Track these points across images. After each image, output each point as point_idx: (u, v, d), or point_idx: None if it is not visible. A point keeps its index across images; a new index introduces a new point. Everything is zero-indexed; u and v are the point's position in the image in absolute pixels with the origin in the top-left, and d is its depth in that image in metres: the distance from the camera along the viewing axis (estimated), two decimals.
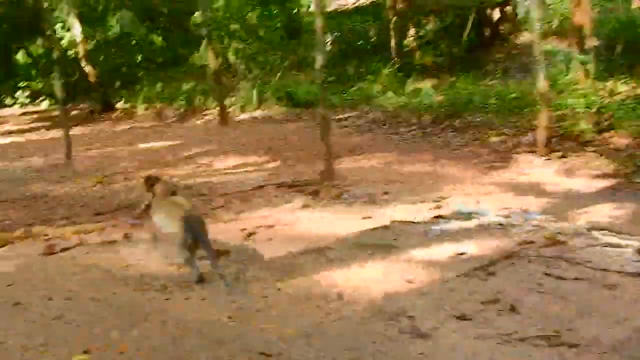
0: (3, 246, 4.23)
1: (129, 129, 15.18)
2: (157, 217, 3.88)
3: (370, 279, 3.47)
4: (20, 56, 28.73)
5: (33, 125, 18.17)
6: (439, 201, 5.74)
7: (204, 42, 16.02)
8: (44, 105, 23.77)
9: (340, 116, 14.58)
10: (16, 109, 23.77)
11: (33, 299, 3.24)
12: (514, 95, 11.10)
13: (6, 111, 23.49)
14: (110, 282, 3.50)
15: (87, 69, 20.25)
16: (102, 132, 14.42)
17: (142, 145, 11.62)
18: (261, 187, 6.68)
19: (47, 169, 9.11)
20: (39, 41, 28.16)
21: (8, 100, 24.31)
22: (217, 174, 8.15)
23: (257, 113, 15.15)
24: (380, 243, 4.05)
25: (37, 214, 5.86)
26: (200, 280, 3.42)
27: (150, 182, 5.68)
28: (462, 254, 3.87)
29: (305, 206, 5.34)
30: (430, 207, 5.42)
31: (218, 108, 14.69)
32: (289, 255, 3.89)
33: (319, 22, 7.72)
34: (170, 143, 11.72)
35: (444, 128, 10.58)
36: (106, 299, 3.25)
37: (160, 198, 4.00)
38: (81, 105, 23.20)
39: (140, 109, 18.42)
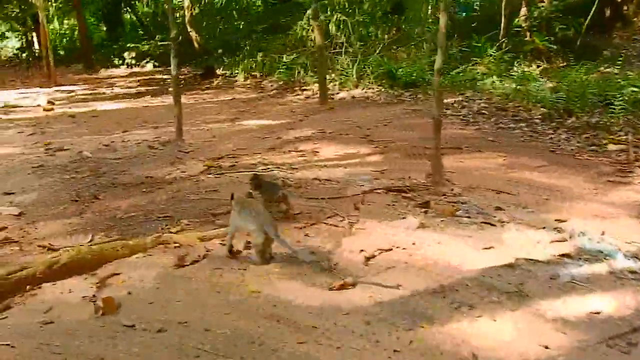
0: (136, 254, 4.45)
1: (230, 100, 15.49)
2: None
3: (503, 337, 3.36)
4: (127, 17, 30.06)
5: (140, 89, 18.94)
6: (559, 228, 5.47)
7: (309, 12, 15.96)
8: (149, 67, 24.75)
9: (445, 100, 14.15)
10: (123, 70, 24.89)
11: (172, 326, 3.38)
12: (636, 89, 10.29)
13: (115, 71, 24.65)
14: (242, 313, 3.59)
15: (192, 34, 20.78)
16: (206, 104, 14.81)
17: (245, 123, 11.84)
18: (370, 191, 6.63)
19: (158, 146, 9.49)
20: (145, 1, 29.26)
21: (116, 61, 25.49)
22: (322, 165, 8.16)
23: (356, 92, 14.99)
24: (507, 289, 3.91)
25: (156, 207, 6.12)
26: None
27: (256, 182, 5.83)
28: (597, 312, 3.67)
29: (421, 226, 5.24)
30: (551, 236, 5.17)
31: (317, 84, 14.66)
32: (416, 295, 3.84)
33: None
34: (272, 122, 11.85)
35: (555, 127, 10.01)
36: (238, 334, 3.32)
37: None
38: (184, 70, 23.97)
39: (240, 78, 18.73)
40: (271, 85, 17.34)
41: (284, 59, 17.55)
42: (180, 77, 22.40)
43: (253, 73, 18.61)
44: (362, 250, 4.74)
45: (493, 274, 4.21)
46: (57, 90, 18.82)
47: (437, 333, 3.41)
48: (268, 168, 7.92)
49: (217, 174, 7.33)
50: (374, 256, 4.62)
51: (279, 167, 7.93)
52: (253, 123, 11.78)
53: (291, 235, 4.97)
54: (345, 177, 7.41)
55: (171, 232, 5.02)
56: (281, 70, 17.02)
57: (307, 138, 10.09)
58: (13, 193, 6.79)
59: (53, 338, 3.08)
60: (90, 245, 4.87)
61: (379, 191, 6.66)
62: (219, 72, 21.54)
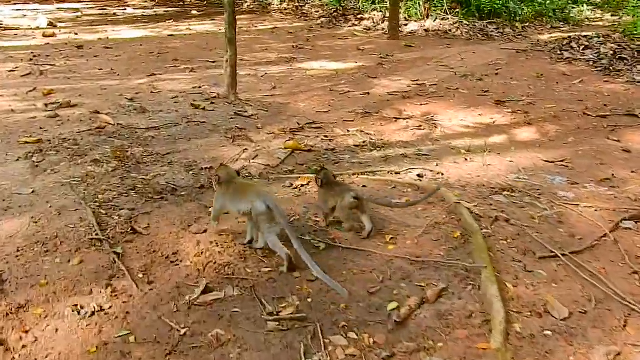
0: None
1: (272, 31, 12.13)
2: None
3: None
4: None
5: (158, 10, 15.39)
6: None
7: None
8: None
9: (546, 37, 10.89)
10: None
11: None
12: None
13: None
14: None
15: None
16: (243, 36, 11.47)
17: (306, 66, 8.68)
18: (616, 225, 3.72)
19: (204, 104, 6.41)
20: None
21: None
22: (460, 149, 5.19)
23: (428, 24, 11.65)
24: None
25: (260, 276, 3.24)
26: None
27: (323, 177, 3.54)
28: None
29: None
30: None
31: (387, 13, 11.33)
32: None
33: None
34: (343, 65, 8.70)
35: None
36: None
37: None
38: None
39: (276, 1, 15.20)
40: (316, 12, 13.88)
41: None
42: None
43: None
44: None
45: None
46: (59, 9, 15.29)
47: None
48: (389, 156, 4.96)
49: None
50: None
51: (405, 155, 4.96)
52: (318, 66, 8.62)
53: None
54: (520, 178, 4.48)
55: None
56: None
57: (405, 94, 7.03)
58: None
59: None
60: None
61: (628, 224, 3.74)
62: None
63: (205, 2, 16.83)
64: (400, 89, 7.27)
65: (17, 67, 8.18)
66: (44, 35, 11.01)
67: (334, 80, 7.77)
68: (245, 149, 5.07)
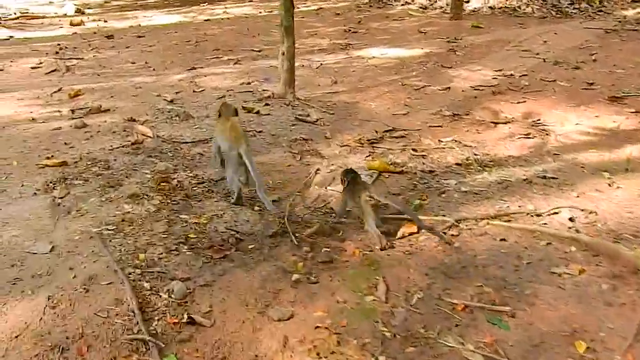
0: None
1: (317, 12, 10.86)
2: None
3: None
4: None
5: None
6: None
7: None
8: None
9: (631, 13, 9.36)
10: None
11: None
12: None
13: None
14: None
15: None
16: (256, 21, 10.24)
17: (365, 53, 7.44)
18: None
19: (258, 107, 5.29)
20: None
21: None
22: (600, 184, 3.89)
23: (493, 0, 10.23)
24: None
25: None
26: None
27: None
28: None
29: None
30: None
31: None
32: None
33: None
34: (407, 52, 7.44)
35: None
36: None
37: None
38: None
39: None
40: None
41: None
42: None
43: None
44: None
45: None
46: None
47: None
48: (506, 180, 3.75)
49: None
50: None
51: (528, 180, 3.73)
52: (379, 54, 7.37)
53: None
54: None
55: None
56: None
57: (494, 89, 5.77)
58: None
59: None
60: None
61: None
62: None
63: None
64: (485, 81, 6.01)
65: (41, 63, 7.17)
66: (72, 24, 9.99)
67: (402, 71, 6.54)
68: (318, 170, 3.93)
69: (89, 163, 3.93)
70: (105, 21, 10.28)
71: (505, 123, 4.86)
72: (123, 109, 5.24)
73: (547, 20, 9.24)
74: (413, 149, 4.28)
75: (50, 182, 3.61)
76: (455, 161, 4.05)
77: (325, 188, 3.70)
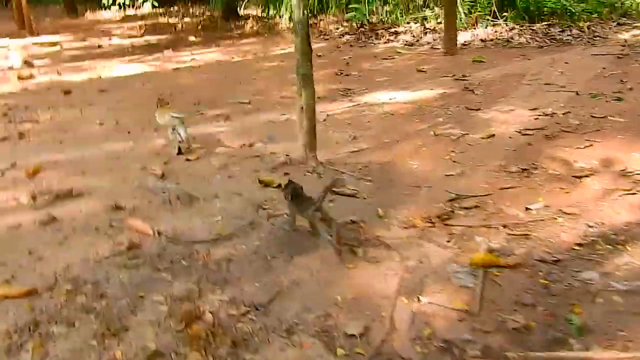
0: None
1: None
2: None
3: None
4: None
5: (150, 39, 12.99)
6: None
7: None
8: (146, 7, 18.45)
9: (627, 36, 8.73)
10: (114, 13, 18.65)
11: None
12: None
13: (103, 15, 18.43)
14: None
15: None
16: (265, 63, 9.20)
17: (369, 99, 6.44)
18: None
19: (278, 178, 4.15)
20: None
21: (105, 0, 19.02)
22: None
23: (479, 32, 9.56)
24: None
25: None
26: None
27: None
28: None
29: None
30: None
31: (420, 24, 9.25)
32: None
33: None
34: (416, 94, 6.51)
35: None
36: None
37: None
38: (195, 11, 17.90)
39: (285, 20, 12.95)
40: (336, 30, 11.65)
41: None
42: (188, 17, 16.36)
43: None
44: None
45: None
46: (35, 43, 12.79)
47: None
48: None
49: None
50: None
51: None
52: (387, 98, 6.39)
53: None
54: None
55: None
56: (352, 5, 11.26)
57: (544, 133, 4.84)
58: None
59: None
60: None
61: None
62: (242, 12, 15.64)
63: (199, 27, 14.51)
64: (529, 123, 5.09)
65: None
66: (20, 78, 8.57)
67: (425, 117, 5.56)
68: (396, 273, 2.80)
69: (70, 288, 2.66)
70: (59, 73, 8.93)
71: (587, 176, 3.90)
72: (100, 190, 3.98)
73: (547, 49, 8.57)
74: (503, 226, 3.23)
75: (15, 333, 2.31)
76: (573, 240, 3.02)
77: (418, 300, 2.58)
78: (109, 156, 4.74)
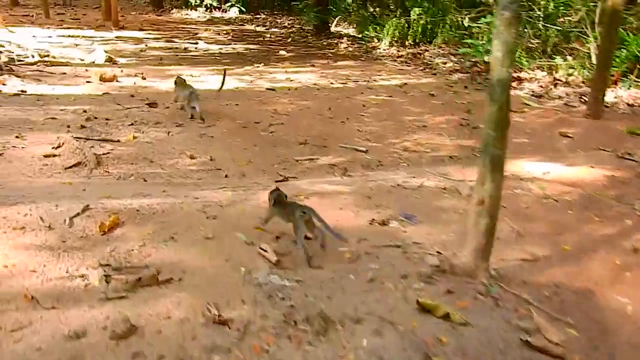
0: None
1: (402, 88, 8.66)
2: None
3: None
4: None
5: (238, 47, 12.13)
6: None
7: None
8: (233, 12, 17.84)
9: None
10: (200, 13, 18.13)
11: None
12: None
13: (190, 14, 17.90)
14: None
15: None
16: (367, 93, 8.03)
17: (512, 170, 5.14)
18: None
19: (442, 302, 2.94)
20: None
21: (192, 0, 18.53)
22: None
23: (622, 93, 8.09)
24: None
25: None
26: None
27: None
28: None
29: None
30: None
31: (548, 72, 7.91)
32: None
33: None
34: (575, 172, 5.15)
35: None
36: None
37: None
38: (282, 20, 17.08)
39: (385, 44, 11.80)
40: (443, 64, 10.39)
41: (466, 21, 10.57)
42: (276, 28, 15.45)
43: (405, 39, 11.68)
44: None
45: None
46: (118, 38, 12.16)
47: None
48: None
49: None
50: None
51: None
52: (539, 173, 5.08)
53: None
54: None
55: None
56: (468, 41, 9.98)
57: None
58: None
59: None
60: None
61: None
62: (334, 28, 14.65)
63: (289, 40, 13.59)
64: None
65: (59, 145, 4.83)
66: (102, 79, 7.75)
67: (604, 214, 4.22)
68: None
69: None
70: (144, 78, 8.07)
71: None
72: (195, 275, 2.87)
73: None
74: None
75: None
76: None
77: None
78: (204, 210, 3.64)
